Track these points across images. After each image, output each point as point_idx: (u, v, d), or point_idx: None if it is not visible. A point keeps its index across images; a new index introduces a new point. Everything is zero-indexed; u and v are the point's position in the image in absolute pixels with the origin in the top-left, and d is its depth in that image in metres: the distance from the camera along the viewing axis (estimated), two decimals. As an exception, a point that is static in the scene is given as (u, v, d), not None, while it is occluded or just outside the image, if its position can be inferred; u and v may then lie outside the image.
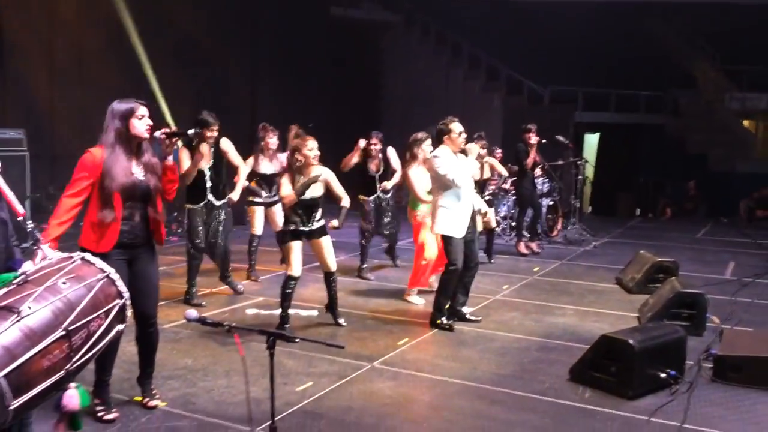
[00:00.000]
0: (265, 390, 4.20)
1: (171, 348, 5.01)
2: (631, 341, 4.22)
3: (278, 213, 7.44)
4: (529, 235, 9.42)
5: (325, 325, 5.73)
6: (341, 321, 5.73)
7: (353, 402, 4.15)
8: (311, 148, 5.28)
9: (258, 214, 7.24)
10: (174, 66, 12.56)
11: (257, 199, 7.18)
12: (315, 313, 6.02)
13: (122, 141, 3.65)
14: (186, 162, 5.86)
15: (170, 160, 3.80)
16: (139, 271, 3.72)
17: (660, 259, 7.11)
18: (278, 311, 6.01)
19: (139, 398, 3.99)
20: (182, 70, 12.58)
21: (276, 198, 7.40)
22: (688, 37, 17.47)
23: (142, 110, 3.68)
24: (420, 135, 6.64)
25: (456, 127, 5.59)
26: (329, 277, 5.62)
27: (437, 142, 5.72)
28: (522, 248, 9.18)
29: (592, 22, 15.49)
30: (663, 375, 4.32)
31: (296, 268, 5.40)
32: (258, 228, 7.28)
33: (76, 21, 11.71)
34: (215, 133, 6.05)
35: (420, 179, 6.46)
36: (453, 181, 5.47)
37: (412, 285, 6.66)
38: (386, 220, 7.71)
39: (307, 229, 5.40)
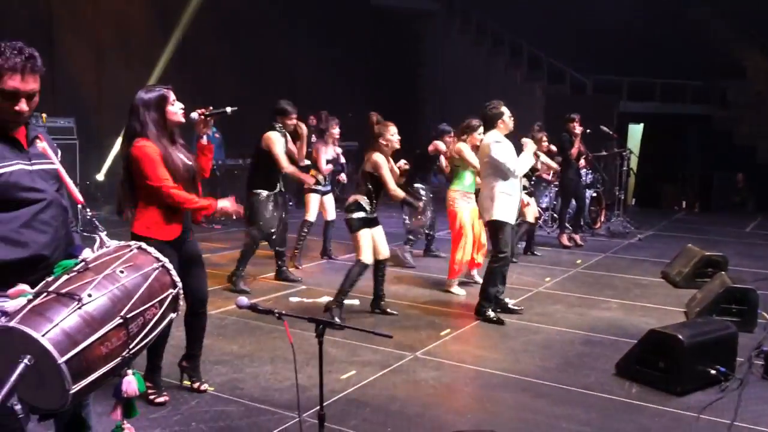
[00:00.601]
0: (310, 377, 4.29)
1: (217, 334, 5.09)
2: (680, 336, 4.14)
3: (330, 203, 7.55)
4: (571, 227, 9.29)
5: (366, 313, 5.75)
6: (390, 311, 5.76)
7: (397, 391, 4.17)
8: (393, 133, 5.39)
9: (314, 201, 7.35)
10: (215, 53, 12.73)
11: (317, 187, 7.27)
12: (356, 302, 6.05)
13: (163, 130, 3.63)
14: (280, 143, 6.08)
15: (204, 139, 3.83)
16: (189, 254, 3.75)
17: (708, 253, 6.96)
18: (322, 299, 6.10)
19: (188, 382, 4.07)
20: (223, 57, 12.72)
21: (329, 188, 7.54)
22: (738, 25, 16.98)
23: (173, 95, 3.68)
24: (475, 122, 6.58)
25: (506, 110, 5.59)
26: (382, 265, 5.65)
27: (489, 127, 5.66)
28: (565, 240, 9.07)
29: (637, 9, 15.17)
30: (713, 372, 4.23)
31: (369, 254, 5.41)
32: (312, 215, 7.37)
33: (122, 5, 11.95)
34: (293, 122, 6.27)
35: (471, 152, 6.49)
36: (513, 171, 5.43)
37: (452, 275, 6.64)
38: (428, 213, 7.77)
39: (373, 216, 5.44)
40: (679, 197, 14.69)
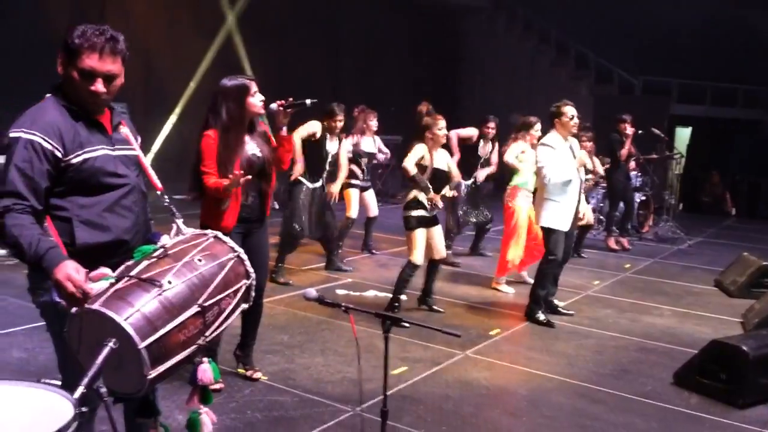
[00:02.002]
0: (363, 372, 4.26)
1: (267, 323, 5.08)
2: (745, 348, 4.03)
3: (372, 198, 7.49)
4: (618, 231, 9.13)
5: (412, 309, 5.71)
6: (437, 308, 5.71)
7: (450, 390, 4.14)
8: (441, 127, 5.29)
9: (354, 197, 7.18)
10: (257, 44, 12.79)
11: (355, 182, 7.17)
12: (404, 297, 6.01)
13: (237, 121, 3.68)
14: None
15: (285, 130, 3.83)
16: (252, 244, 3.75)
17: (766, 263, 6.76)
18: (368, 293, 6.10)
19: (242, 370, 4.08)
20: (266, 49, 12.78)
21: (369, 183, 7.47)
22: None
23: (254, 86, 3.71)
24: (532, 119, 6.50)
25: (569, 110, 5.35)
26: (437, 265, 5.59)
27: (548, 126, 5.53)
28: (612, 243, 8.92)
29: (689, 9, 14.81)
30: (777, 386, 4.11)
31: (420, 255, 5.34)
32: (354, 211, 7.19)
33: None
34: (340, 123, 6.31)
35: (512, 150, 6.45)
36: (549, 180, 5.27)
37: (500, 273, 6.56)
38: (480, 207, 7.65)
39: (431, 215, 5.37)
40: (727, 204, 14.29)
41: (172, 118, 12.44)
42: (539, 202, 5.54)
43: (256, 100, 3.69)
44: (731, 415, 3.97)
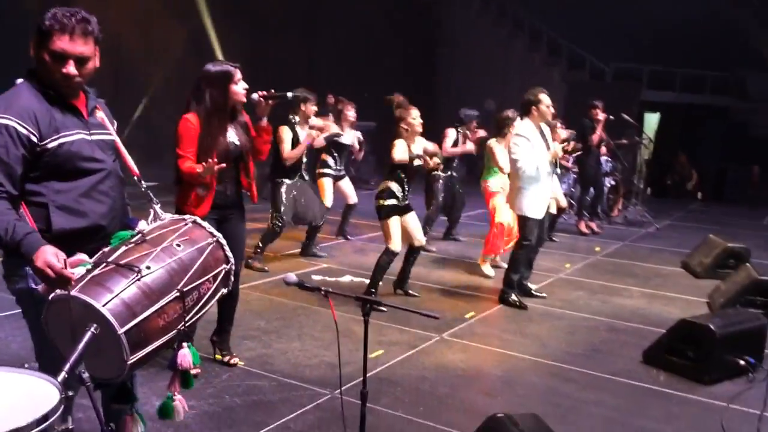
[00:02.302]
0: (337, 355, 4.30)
1: (243, 310, 5.07)
2: (712, 326, 4.15)
3: (349, 186, 7.49)
4: (588, 215, 9.27)
5: (388, 294, 5.74)
6: (413, 292, 5.78)
7: (426, 372, 4.20)
8: (415, 116, 5.29)
9: (328, 185, 7.16)
10: (231, 30, 12.67)
11: (328, 171, 7.17)
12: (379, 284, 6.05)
13: (219, 107, 3.69)
14: (287, 139, 6.12)
15: (264, 121, 3.83)
16: (228, 231, 3.72)
17: (731, 245, 6.94)
18: (344, 278, 6.14)
19: (219, 356, 4.10)
20: (239, 35, 12.67)
21: (344, 172, 7.48)
22: (758, 15, 16.76)
23: (239, 74, 3.71)
24: (511, 113, 6.56)
25: (545, 98, 5.40)
26: (416, 252, 5.65)
27: (523, 114, 5.54)
28: (583, 227, 9.06)
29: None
30: (742, 362, 4.24)
31: (397, 243, 5.37)
32: (329, 200, 7.15)
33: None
34: (313, 108, 6.32)
35: (502, 153, 6.45)
36: (522, 171, 5.31)
37: (486, 252, 6.63)
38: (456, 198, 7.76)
39: (404, 204, 5.40)
40: (693, 184, 14.57)
41: (142, 105, 12.30)
42: (513, 190, 5.60)
43: (239, 88, 3.70)
44: (698, 391, 4.09)
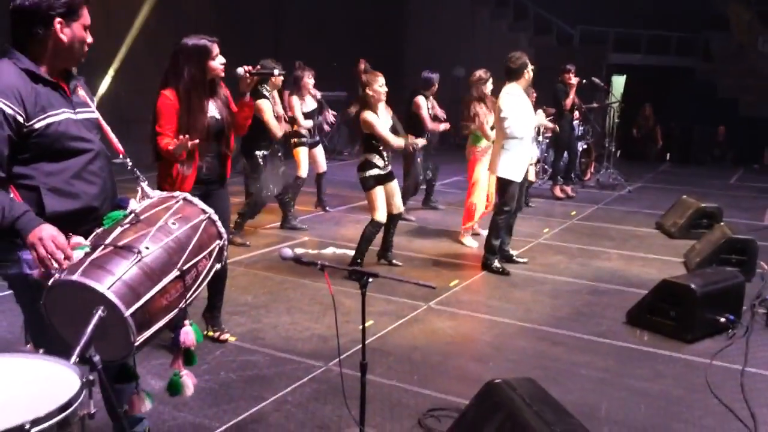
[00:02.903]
0: (329, 327, 4.34)
1: (230, 285, 4.99)
2: (693, 286, 4.26)
3: (321, 154, 7.44)
4: (562, 179, 9.37)
5: (371, 264, 5.74)
6: (396, 262, 5.80)
7: (416, 341, 4.24)
8: (381, 84, 5.24)
9: (303, 156, 7.06)
10: (195, 5, 12.37)
11: (303, 139, 7.04)
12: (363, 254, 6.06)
13: (197, 83, 3.62)
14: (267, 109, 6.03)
15: (248, 96, 3.76)
16: (213, 206, 3.69)
17: (704, 205, 7.09)
18: (327, 250, 6.15)
19: (211, 333, 4.08)
20: (205, 5, 12.37)
21: (317, 139, 7.41)
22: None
23: (216, 48, 3.63)
24: (483, 74, 6.57)
25: (529, 63, 5.51)
26: (395, 219, 5.65)
27: (513, 78, 5.51)
28: (557, 192, 9.16)
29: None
30: (722, 320, 4.37)
31: (383, 213, 5.37)
32: (303, 170, 7.07)
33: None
34: (281, 79, 6.16)
35: (486, 117, 6.45)
36: (510, 130, 5.38)
37: (466, 224, 6.66)
38: (429, 164, 7.72)
39: (386, 171, 5.38)
40: (662, 150, 14.79)
41: (107, 80, 11.97)
42: (496, 152, 5.62)
43: (217, 63, 3.63)
44: (681, 349, 4.21)
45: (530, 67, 5.50)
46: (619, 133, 14.89)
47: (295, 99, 6.99)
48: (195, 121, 3.58)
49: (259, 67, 3.72)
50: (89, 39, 2.36)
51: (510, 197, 5.55)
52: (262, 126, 6.01)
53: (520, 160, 5.50)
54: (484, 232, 6.75)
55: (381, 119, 5.30)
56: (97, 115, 2.51)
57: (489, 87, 6.53)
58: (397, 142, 5.31)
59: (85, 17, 2.33)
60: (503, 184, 5.57)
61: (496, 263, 5.69)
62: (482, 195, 6.54)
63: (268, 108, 6.05)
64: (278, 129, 6.11)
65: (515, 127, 5.37)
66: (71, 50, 2.32)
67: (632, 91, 15.81)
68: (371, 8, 15.30)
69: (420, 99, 7.40)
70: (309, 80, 7.15)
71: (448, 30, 16.58)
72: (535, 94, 9.32)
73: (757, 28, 16.45)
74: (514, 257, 5.98)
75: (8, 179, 2.25)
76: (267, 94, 6.17)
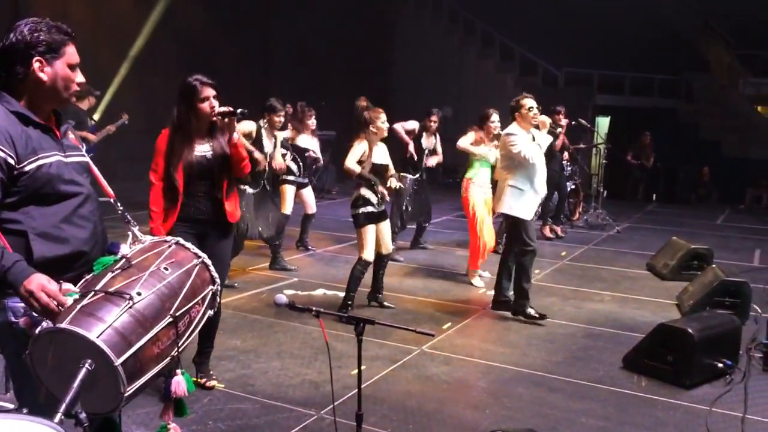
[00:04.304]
0: (320, 372, 4.23)
1: (218, 329, 4.93)
2: (690, 330, 4.20)
3: (310, 195, 7.38)
4: (552, 219, 9.36)
5: (362, 307, 5.65)
6: (388, 304, 5.71)
7: (411, 387, 4.13)
8: (383, 120, 5.25)
9: (289, 193, 6.97)
10: (184, 41, 12.45)
11: (290, 177, 6.98)
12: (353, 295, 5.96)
13: (182, 122, 3.66)
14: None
15: (235, 137, 3.72)
16: (208, 248, 3.63)
17: (695, 246, 7.08)
18: (317, 291, 6.05)
19: (195, 379, 3.94)
20: (193, 45, 12.44)
21: (307, 180, 7.36)
22: (701, 20, 17.33)
23: (208, 91, 3.60)
24: (490, 111, 6.63)
25: (527, 102, 5.37)
26: (384, 260, 5.57)
27: (509, 120, 5.51)
28: (547, 232, 9.14)
29: (608, 2, 15.35)
30: (720, 365, 4.30)
31: (371, 252, 5.30)
32: (288, 207, 6.95)
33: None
34: (282, 119, 6.24)
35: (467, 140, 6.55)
36: (527, 158, 5.23)
37: (473, 264, 6.58)
38: (423, 205, 7.71)
39: (380, 210, 5.33)
40: (647, 190, 14.87)
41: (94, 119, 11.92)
42: (502, 191, 5.45)
43: (205, 105, 3.60)
44: (680, 395, 4.13)
45: (526, 108, 5.36)
46: (606, 173, 15.12)
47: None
48: (177, 158, 3.61)
49: (226, 109, 3.68)
50: (78, 78, 2.27)
51: (530, 235, 5.36)
52: (253, 161, 5.90)
53: (529, 197, 5.36)
54: (485, 274, 6.74)
55: (378, 154, 5.29)
56: (87, 158, 2.46)
57: (495, 124, 6.54)
58: (350, 167, 5.22)
59: (70, 55, 2.23)
60: (516, 224, 5.39)
61: (531, 309, 5.45)
62: (485, 228, 6.46)
63: (251, 129, 6.05)
64: (262, 158, 6.07)
65: (527, 152, 5.23)
66: (53, 90, 2.23)
67: (616, 131, 16.03)
68: (357, 48, 15.46)
69: (396, 125, 7.42)
70: (309, 121, 7.35)
71: (435, 69, 16.79)
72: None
73: (737, 71, 16.81)
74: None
75: None
76: (265, 133, 6.16)
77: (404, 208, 7.47)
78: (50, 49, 2.19)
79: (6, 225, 2.19)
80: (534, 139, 5.44)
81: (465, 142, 6.60)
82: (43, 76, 2.19)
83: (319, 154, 7.80)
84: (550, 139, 5.66)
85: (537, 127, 5.46)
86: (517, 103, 5.42)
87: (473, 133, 6.61)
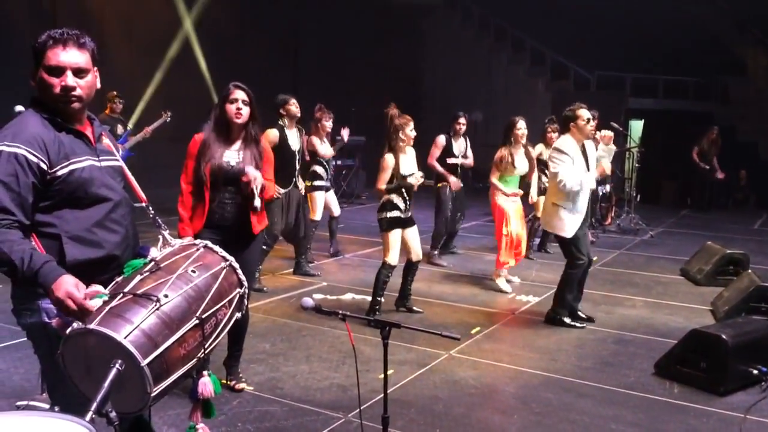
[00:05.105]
0: (348, 376, 4.24)
1: (247, 332, 4.94)
2: (724, 336, 4.12)
3: (333, 199, 7.40)
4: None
5: (390, 312, 5.65)
6: (416, 308, 5.71)
7: (438, 391, 4.12)
8: (411, 128, 5.26)
9: (320, 200, 7.02)
10: (215, 47, 12.64)
11: (319, 183, 7.02)
12: (381, 299, 5.97)
13: (217, 124, 3.72)
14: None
15: (249, 174, 3.74)
16: (234, 255, 3.67)
17: (730, 251, 6.94)
18: (346, 296, 6.07)
19: (224, 381, 3.99)
20: (224, 51, 12.63)
21: (329, 184, 7.38)
22: (738, 22, 17.00)
23: (237, 93, 3.66)
24: (516, 119, 6.55)
25: (584, 113, 5.17)
26: (414, 266, 5.58)
27: (563, 130, 5.36)
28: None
29: (640, 5, 15.17)
30: (755, 371, 4.21)
31: (395, 256, 5.32)
32: (319, 214, 7.02)
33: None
34: (295, 108, 6.19)
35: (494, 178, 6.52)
36: (565, 188, 5.07)
37: (500, 265, 6.53)
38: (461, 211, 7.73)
39: (407, 216, 5.34)
40: (681, 194, 14.61)
41: (129, 126, 12.18)
42: (548, 208, 5.37)
43: (231, 107, 3.66)
44: (714, 402, 4.04)
45: (584, 120, 5.15)
46: (639, 177, 14.90)
47: (315, 139, 6.96)
48: (206, 158, 3.67)
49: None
50: (64, 81, 2.20)
51: (578, 250, 5.27)
52: (282, 161, 5.88)
53: (574, 216, 5.21)
54: (516, 280, 6.70)
55: (406, 162, 5.30)
56: (120, 163, 2.51)
57: (522, 131, 6.47)
58: (380, 188, 5.27)
59: (48, 58, 2.19)
60: (563, 241, 5.32)
61: (567, 319, 5.39)
62: (514, 224, 6.41)
63: (275, 137, 6.02)
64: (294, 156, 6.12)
65: (568, 181, 5.05)
66: (46, 95, 2.24)
67: (650, 135, 15.79)
68: (388, 53, 15.53)
69: (439, 138, 7.45)
70: (327, 123, 7.10)
71: (465, 74, 16.77)
72: (555, 134, 9.23)
73: (775, 74, 16.45)
74: (581, 315, 5.57)
75: (31, 227, 2.23)
76: (288, 132, 6.19)
77: (449, 214, 7.47)
78: (36, 55, 2.23)
79: (41, 228, 2.25)
80: (586, 153, 5.28)
81: (493, 179, 6.48)
82: (34, 83, 2.25)
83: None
84: (592, 184, 5.40)
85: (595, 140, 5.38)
86: (573, 113, 5.20)
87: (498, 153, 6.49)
